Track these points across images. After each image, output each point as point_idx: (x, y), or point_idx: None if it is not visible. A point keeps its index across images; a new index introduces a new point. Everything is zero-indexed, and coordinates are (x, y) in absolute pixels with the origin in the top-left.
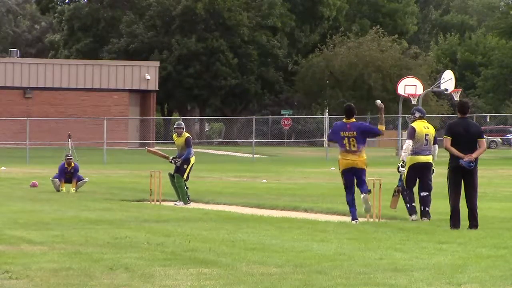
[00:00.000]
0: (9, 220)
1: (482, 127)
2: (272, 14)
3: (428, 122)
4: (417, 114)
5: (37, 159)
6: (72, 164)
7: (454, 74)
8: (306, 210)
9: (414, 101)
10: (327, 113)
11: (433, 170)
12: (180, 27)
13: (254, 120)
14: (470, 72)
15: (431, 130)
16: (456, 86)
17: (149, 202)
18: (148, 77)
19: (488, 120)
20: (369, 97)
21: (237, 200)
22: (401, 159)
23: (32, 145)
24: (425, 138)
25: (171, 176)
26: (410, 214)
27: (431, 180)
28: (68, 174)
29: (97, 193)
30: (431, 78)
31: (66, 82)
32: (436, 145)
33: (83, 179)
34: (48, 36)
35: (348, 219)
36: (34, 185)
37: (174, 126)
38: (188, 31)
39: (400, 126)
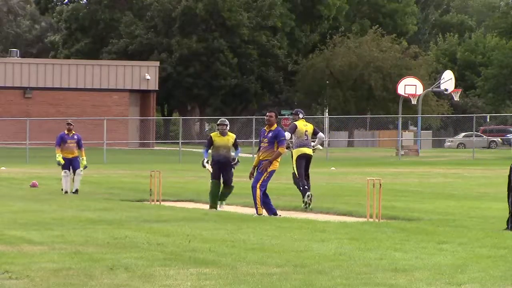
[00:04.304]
0: (9, 220)
1: (482, 127)
2: (272, 14)
3: (307, 121)
4: (301, 115)
5: (37, 159)
6: (73, 132)
7: (454, 74)
8: (306, 210)
9: (414, 101)
10: (327, 113)
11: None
12: (180, 28)
13: (254, 120)
14: (470, 72)
15: (309, 128)
16: (456, 86)
17: (149, 202)
18: (148, 77)
19: (488, 120)
20: (369, 97)
21: (237, 200)
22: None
23: (32, 145)
24: (305, 134)
25: (217, 183)
26: (304, 195)
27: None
28: (71, 141)
29: (97, 193)
30: (431, 78)
31: (66, 82)
32: (321, 133)
33: (79, 171)
34: (48, 36)
35: (348, 219)
36: (34, 185)
37: (218, 123)
38: (189, 31)
39: (400, 126)
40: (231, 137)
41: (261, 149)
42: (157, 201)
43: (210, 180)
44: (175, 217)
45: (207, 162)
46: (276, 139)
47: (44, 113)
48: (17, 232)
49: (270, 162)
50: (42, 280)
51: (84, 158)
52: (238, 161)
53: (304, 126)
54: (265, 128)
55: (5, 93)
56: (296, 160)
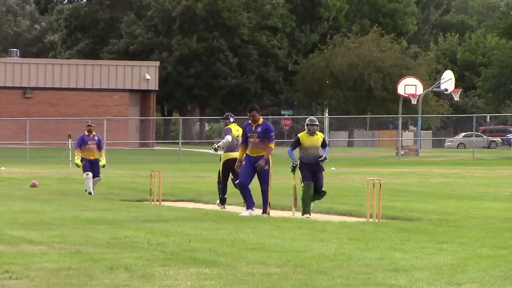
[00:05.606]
0: (9, 220)
1: (482, 127)
2: (273, 15)
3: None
4: (232, 119)
5: (37, 159)
6: (94, 133)
7: (454, 74)
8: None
9: (414, 101)
10: (327, 113)
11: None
12: (180, 27)
13: None
14: (470, 72)
15: (240, 133)
16: (456, 86)
17: (149, 202)
18: (148, 77)
19: (488, 120)
20: (369, 97)
21: (237, 200)
22: (218, 145)
23: (32, 145)
24: (237, 139)
25: (310, 186)
26: (221, 204)
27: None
28: (91, 142)
29: (97, 193)
30: (431, 78)
31: (66, 82)
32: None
33: (99, 176)
34: (48, 36)
35: (348, 219)
36: (34, 185)
37: (308, 122)
38: (189, 31)
39: (400, 126)
40: (319, 136)
41: (250, 144)
42: (157, 201)
43: (302, 183)
44: (175, 217)
45: (296, 166)
46: (266, 134)
47: (44, 113)
48: (17, 232)
49: (268, 161)
50: (42, 280)
51: (104, 158)
52: (326, 158)
53: (236, 131)
54: (249, 122)
55: (5, 93)
56: (223, 164)
